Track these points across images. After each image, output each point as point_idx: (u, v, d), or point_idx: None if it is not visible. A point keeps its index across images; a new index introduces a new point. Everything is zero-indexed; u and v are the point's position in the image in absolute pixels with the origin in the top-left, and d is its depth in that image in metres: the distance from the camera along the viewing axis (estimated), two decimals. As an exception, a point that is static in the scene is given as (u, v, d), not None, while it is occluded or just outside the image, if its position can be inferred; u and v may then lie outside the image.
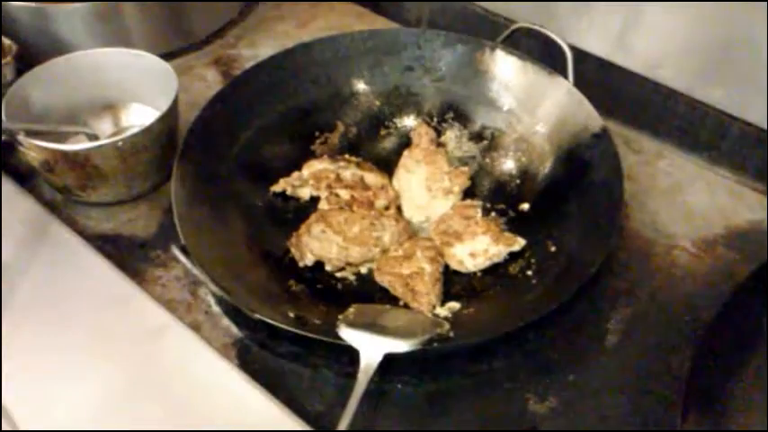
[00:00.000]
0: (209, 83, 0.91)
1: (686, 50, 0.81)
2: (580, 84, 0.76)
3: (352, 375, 0.57)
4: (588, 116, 0.73)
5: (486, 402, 0.60)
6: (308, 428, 0.57)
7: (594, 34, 0.86)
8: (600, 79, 0.85)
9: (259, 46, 0.97)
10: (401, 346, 0.57)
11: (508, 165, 0.78)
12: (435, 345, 0.59)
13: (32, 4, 0.85)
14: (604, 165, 0.69)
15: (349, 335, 0.58)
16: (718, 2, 0.74)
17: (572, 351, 0.64)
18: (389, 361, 0.57)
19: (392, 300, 0.67)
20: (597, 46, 0.86)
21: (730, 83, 0.79)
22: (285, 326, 0.59)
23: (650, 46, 0.83)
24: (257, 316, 0.59)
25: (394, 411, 0.60)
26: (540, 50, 0.81)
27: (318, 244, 0.70)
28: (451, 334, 0.62)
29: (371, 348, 0.57)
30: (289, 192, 0.76)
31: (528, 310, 0.62)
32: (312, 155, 0.80)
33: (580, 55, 0.77)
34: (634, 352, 0.63)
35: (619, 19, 0.84)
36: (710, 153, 0.82)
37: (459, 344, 0.62)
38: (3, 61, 0.77)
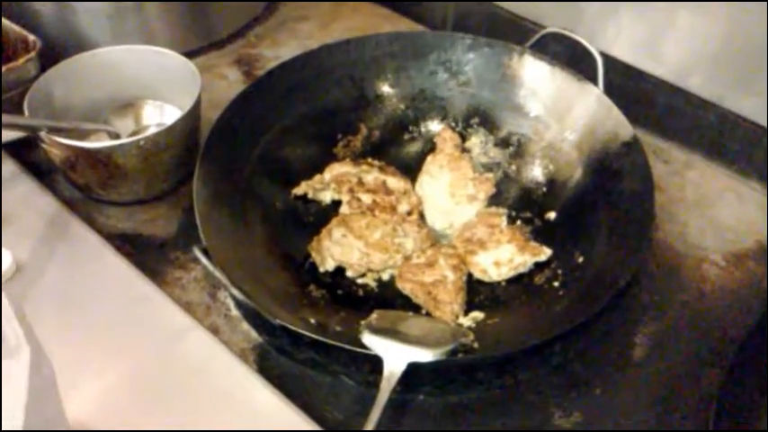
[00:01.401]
0: (231, 82, 0.90)
1: (717, 59, 0.79)
2: (608, 91, 0.74)
3: (373, 384, 0.56)
4: (618, 124, 0.71)
5: (510, 415, 0.59)
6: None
7: (623, 41, 0.85)
8: (628, 87, 0.84)
9: (281, 46, 0.97)
10: (426, 355, 0.56)
11: (535, 172, 0.76)
12: (460, 356, 0.58)
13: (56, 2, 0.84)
14: (635, 174, 0.68)
15: (372, 342, 0.57)
16: (750, 9, 0.73)
17: (598, 365, 0.62)
18: (411, 370, 0.55)
19: (414, 307, 0.66)
20: (626, 53, 0.85)
21: (761, 93, 0.77)
22: (307, 332, 0.58)
23: (680, 54, 0.82)
24: (278, 321, 0.58)
25: (415, 423, 0.58)
26: (567, 56, 0.79)
27: (339, 249, 0.69)
28: (475, 345, 0.60)
29: (395, 357, 0.56)
30: (310, 195, 0.75)
31: (554, 322, 0.61)
32: (334, 158, 0.79)
33: (608, 62, 0.76)
34: (662, 367, 0.62)
35: (648, 25, 0.82)
36: (740, 164, 0.80)
37: (485, 355, 0.60)
38: (26, 57, 0.76)
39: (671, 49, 0.82)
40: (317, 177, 0.75)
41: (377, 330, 0.58)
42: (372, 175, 0.75)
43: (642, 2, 0.80)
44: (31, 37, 0.79)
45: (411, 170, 0.77)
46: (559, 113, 0.76)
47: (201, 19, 0.95)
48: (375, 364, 0.56)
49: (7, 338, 0.41)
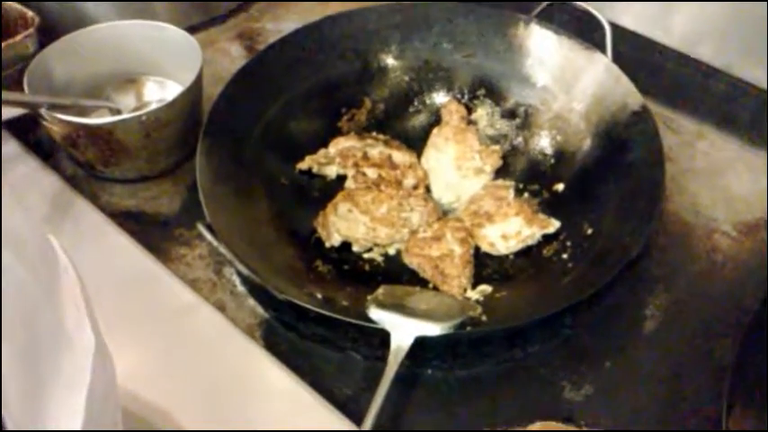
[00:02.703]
0: (233, 57, 0.89)
1: (727, 27, 0.78)
2: (616, 61, 0.73)
3: (381, 359, 0.56)
4: (627, 93, 0.70)
5: (519, 389, 0.59)
6: (336, 412, 0.55)
7: (631, 9, 0.83)
8: (637, 56, 0.82)
9: (283, 20, 0.95)
10: (433, 329, 0.55)
11: (542, 143, 0.75)
12: (468, 329, 0.57)
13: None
14: (644, 144, 0.67)
15: (379, 316, 0.56)
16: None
17: (609, 337, 0.62)
18: (419, 345, 0.55)
19: (421, 282, 0.66)
20: (634, 21, 0.84)
21: (772, 61, 0.76)
22: (313, 307, 0.57)
23: (689, 22, 0.81)
24: (284, 296, 0.58)
25: (424, 397, 0.58)
26: (575, 25, 0.78)
27: (345, 224, 0.68)
28: (484, 318, 0.60)
29: (402, 331, 0.55)
30: (315, 169, 0.74)
31: (563, 294, 0.60)
32: (339, 132, 0.78)
33: (616, 31, 0.74)
34: (673, 339, 0.61)
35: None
36: (751, 134, 0.79)
37: (493, 328, 0.60)
38: (25, 33, 0.75)
39: (680, 18, 0.81)
40: (322, 152, 0.74)
41: (384, 305, 0.58)
42: (377, 149, 0.74)
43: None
44: (30, 13, 0.78)
45: (416, 143, 0.76)
46: (567, 83, 0.75)
47: (202, -6, 0.94)
48: (383, 338, 0.56)
49: (70, 330, 0.39)
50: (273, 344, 0.61)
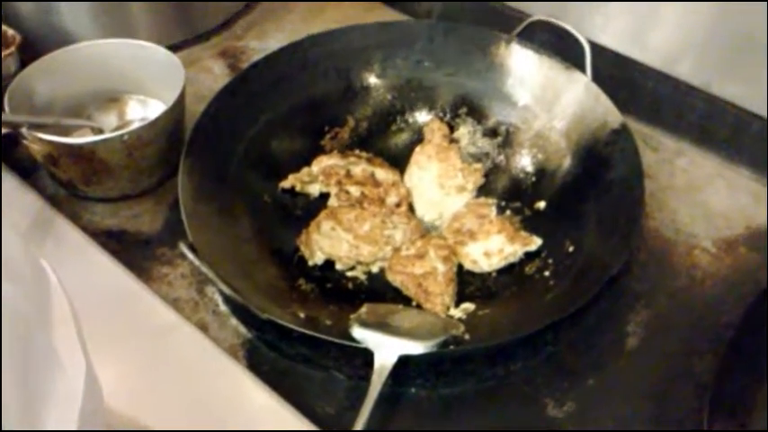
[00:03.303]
0: (216, 76, 0.89)
1: (705, 45, 0.79)
2: (595, 79, 0.74)
3: (364, 378, 0.56)
4: (607, 112, 0.71)
5: (502, 407, 0.59)
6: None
7: (610, 28, 0.84)
8: (616, 75, 0.83)
9: (267, 38, 0.95)
10: (416, 347, 0.55)
11: (524, 162, 0.76)
12: (452, 347, 0.57)
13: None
14: (624, 162, 0.67)
15: (363, 335, 0.56)
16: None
17: (591, 354, 0.62)
18: (402, 363, 0.55)
19: (404, 300, 0.66)
20: (613, 40, 0.84)
21: (750, 79, 0.77)
22: (296, 327, 0.57)
23: (668, 40, 0.81)
24: (266, 316, 0.58)
25: (407, 416, 0.58)
26: (555, 45, 0.79)
27: (328, 242, 0.68)
28: (467, 336, 0.60)
29: (386, 350, 0.55)
30: (298, 188, 0.74)
31: (546, 312, 0.60)
32: (322, 150, 0.78)
33: (595, 49, 0.75)
34: (655, 355, 0.62)
35: (635, 12, 0.82)
36: (730, 151, 0.80)
37: (476, 347, 0.60)
38: (6, 52, 0.75)
39: (658, 36, 0.82)
40: (305, 170, 0.74)
41: (367, 324, 0.57)
42: (360, 167, 0.74)
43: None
44: (11, 31, 0.78)
45: (399, 161, 0.76)
46: (548, 102, 0.75)
47: (185, 11, 0.94)
48: (366, 357, 0.56)
49: (60, 351, 0.39)
50: (256, 363, 0.61)
